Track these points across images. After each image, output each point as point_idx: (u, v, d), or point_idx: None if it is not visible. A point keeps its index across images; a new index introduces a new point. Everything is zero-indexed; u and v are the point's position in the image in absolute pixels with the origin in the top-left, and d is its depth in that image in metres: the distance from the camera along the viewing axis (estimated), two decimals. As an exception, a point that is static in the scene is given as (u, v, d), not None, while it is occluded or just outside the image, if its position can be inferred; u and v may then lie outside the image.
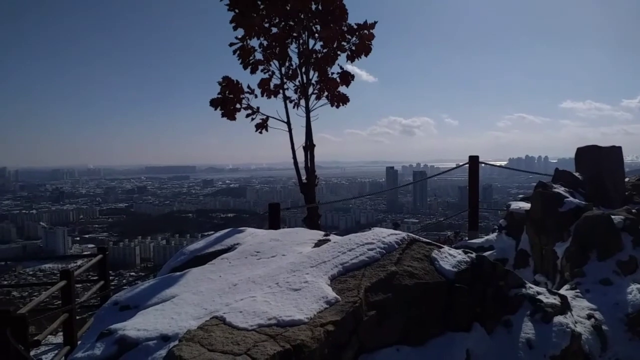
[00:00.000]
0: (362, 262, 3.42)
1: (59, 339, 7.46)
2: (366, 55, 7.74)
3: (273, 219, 7.10)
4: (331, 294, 2.96)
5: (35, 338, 5.26)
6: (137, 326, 2.67)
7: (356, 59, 7.76)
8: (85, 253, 31.83)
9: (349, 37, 7.63)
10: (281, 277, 3.29)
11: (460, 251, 3.83)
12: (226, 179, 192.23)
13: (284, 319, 2.61)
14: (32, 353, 5.40)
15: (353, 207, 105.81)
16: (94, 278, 9.39)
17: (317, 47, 7.69)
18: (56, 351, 6.86)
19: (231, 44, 7.37)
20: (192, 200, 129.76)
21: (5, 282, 39.94)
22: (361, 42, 7.63)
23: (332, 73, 7.82)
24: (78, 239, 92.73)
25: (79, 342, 6.57)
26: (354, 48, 7.71)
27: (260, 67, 7.66)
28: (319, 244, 4.20)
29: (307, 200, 7.84)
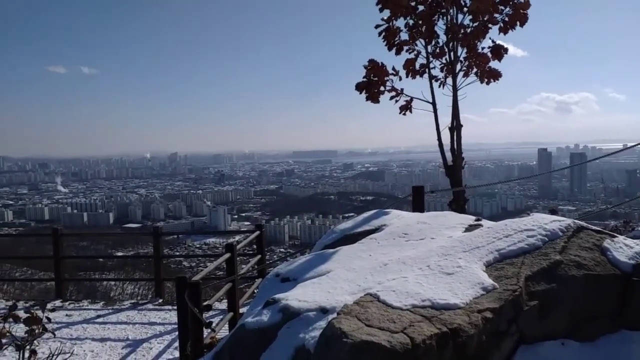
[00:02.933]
0: (520, 249, 3.21)
1: (222, 305, 8.34)
2: (522, 26, 7.13)
3: (417, 202, 7.00)
4: (487, 281, 2.85)
5: (207, 303, 5.95)
6: (298, 297, 2.87)
7: (510, 30, 7.20)
8: (242, 229, 35.07)
9: (502, 7, 7.10)
10: (432, 260, 3.25)
11: (639, 241, 3.38)
12: (365, 163, 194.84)
13: (438, 302, 2.58)
14: (203, 316, 6.14)
15: (499, 192, 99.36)
16: (249, 252, 10.32)
17: (466, 21, 7.30)
18: (221, 316, 7.68)
19: (377, 26, 7.36)
20: (333, 183, 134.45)
21: (177, 253, 45.99)
22: (516, 11, 7.05)
23: (483, 48, 7.38)
24: (236, 216, 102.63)
25: (240, 310, 7.31)
26: (506, 19, 7.16)
27: (405, 48, 7.53)
28: (470, 228, 4.05)
29: (453, 183, 7.57)
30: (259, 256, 9.39)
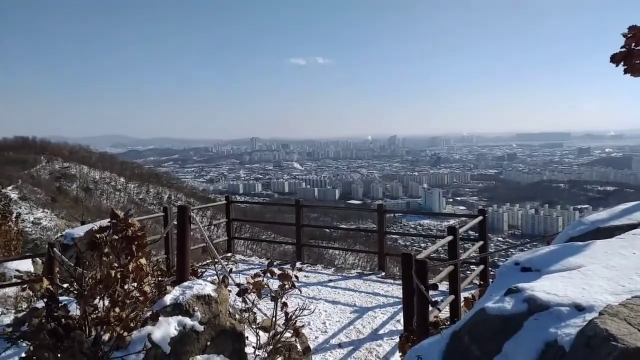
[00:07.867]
0: None
1: (443, 287, 8.32)
2: None
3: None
4: None
5: (433, 282, 6.01)
6: (545, 289, 2.66)
7: None
8: (458, 214, 34.31)
9: None
10: None
11: None
12: (606, 147, 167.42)
13: None
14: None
15: None
16: (466, 237, 9.99)
17: None
18: (442, 297, 7.68)
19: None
20: (564, 170, 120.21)
21: (394, 231, 47.55)
22: None
23: None
24: (451, 200, 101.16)
25: (462, 294, 7.19)
26: None
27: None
28: None
29: None
30: (481, 243, 9.03)
